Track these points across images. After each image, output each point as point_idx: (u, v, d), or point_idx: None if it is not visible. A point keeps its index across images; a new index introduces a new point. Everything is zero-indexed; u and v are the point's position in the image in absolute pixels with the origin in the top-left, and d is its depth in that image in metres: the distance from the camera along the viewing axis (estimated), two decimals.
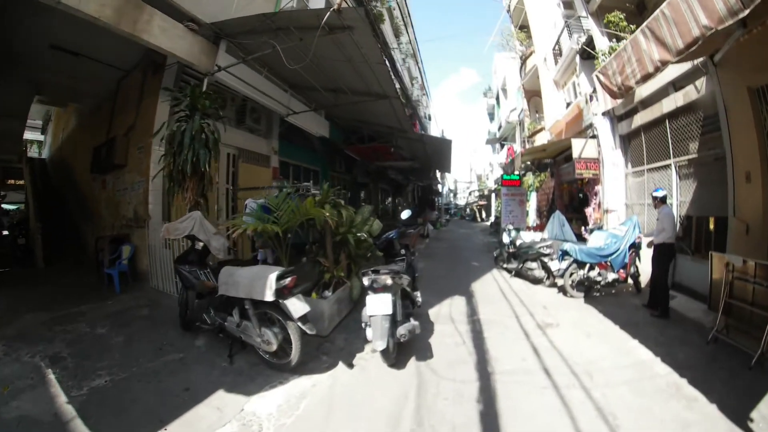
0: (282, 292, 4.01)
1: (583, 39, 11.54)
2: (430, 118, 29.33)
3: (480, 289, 8.21)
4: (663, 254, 6.29)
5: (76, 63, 8.24)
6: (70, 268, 9.39)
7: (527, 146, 17.58)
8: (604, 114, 10.39)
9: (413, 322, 4.44)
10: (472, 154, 56.53)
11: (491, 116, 37.26)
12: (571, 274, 7.51)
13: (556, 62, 13.98)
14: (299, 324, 3.97)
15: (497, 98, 31.79)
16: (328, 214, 5.11)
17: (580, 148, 10.70)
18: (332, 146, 15.21)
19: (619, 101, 8.97)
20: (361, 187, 21.03)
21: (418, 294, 5.34)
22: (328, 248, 5.53)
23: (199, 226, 5.60)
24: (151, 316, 5.82)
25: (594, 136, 10.69)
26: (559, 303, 7.16)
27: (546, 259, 8.41)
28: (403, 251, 5.81)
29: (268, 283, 3.98)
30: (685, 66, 6.99)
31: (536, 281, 8.65)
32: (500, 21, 20.21)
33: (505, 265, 9.96)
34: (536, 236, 10.21)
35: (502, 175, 14.48)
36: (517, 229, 10.15)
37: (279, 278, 3.99)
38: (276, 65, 8.56)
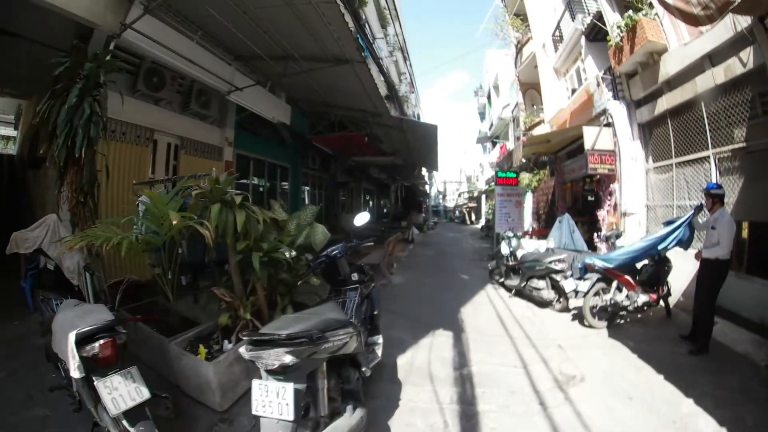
0: (95, 364, 2.11)
1: (589, 19, 9.91)
2: (419, 118, 27.48)
3: (472, 316, 6.29)
4: (713, 274, 4.68)
5: (21, 47, 6.33)
6: None
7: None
8: (618, 97, 8.77)
9: (353, 414, 2.51)
10: (462, 155, 55.07)
11: (482, 115, 35.96)
12: (596, 295, 5.74)
13: (556, 49, 12.64)
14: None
15: (488, 97, 30.51)
16: (208, 222, 3.06)
17: (593, 137, 8.93)
18: (305, 139, 13.36)
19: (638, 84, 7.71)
20: (340, 187, 19.11)
21: (377, 345, 3.57)
22: (232, 274, 3.54)
23: (53, 235, 3.67)
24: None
25: (609, 125, 8.94)
26: (578, 337, 5.37)
27: (558, 277, 6.56)
28: (356, 277, 3.80)
29: (69, 351, 2.07)
30: (723, 35, 5.78)
31: (543, 304, 6.84)
32: (492, 7, 18.34)
33: (502, 281, 8.12)
34: (539, 245, 8.41)
35: (496, 173, 12.62)
36: (517, 237, 8.27)
37: (82, 341, 2.08)
38: (212, 27, 6.68)
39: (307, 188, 15.72)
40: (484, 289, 8.10)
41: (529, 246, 8.10)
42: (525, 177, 13.16)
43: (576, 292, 5.88)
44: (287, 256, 3.55)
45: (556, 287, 6.61)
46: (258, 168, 11.87)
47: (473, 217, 43.20)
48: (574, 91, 11.65)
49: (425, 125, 10.40)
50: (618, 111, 8.80)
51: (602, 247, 8.95)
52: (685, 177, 7.14)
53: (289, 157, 13.56)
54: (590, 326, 5.64)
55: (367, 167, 20.30)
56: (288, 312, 3.65)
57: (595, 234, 9.23)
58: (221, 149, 9.63)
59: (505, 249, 7.85)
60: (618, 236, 7.79)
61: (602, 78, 9.15)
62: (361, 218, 4.58)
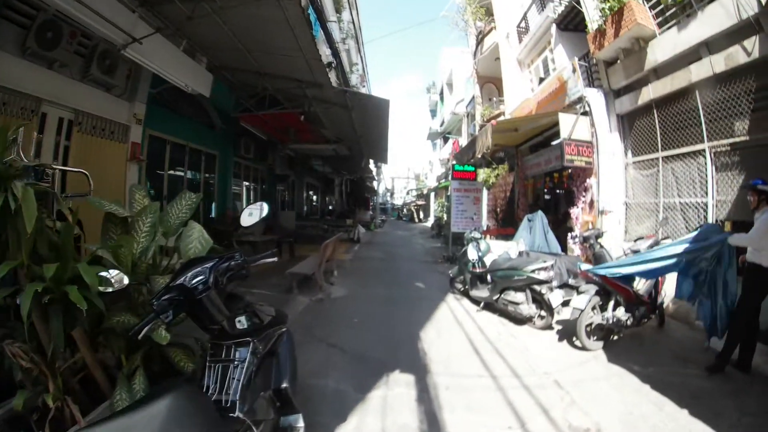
0: None
1: (562, 7, 9.24)
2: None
3: (436, 344, 4.78)
4: (760, 282, 3.82)
5: None
6: None
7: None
8: (594, 86, 8.10)
9: None
10: (410, 151, 54.49)
11: (433, 113, 35.23)
12: (592, 310, 4.63)
13: (520, 40, 12.06)
14: None
15: (441, 94, 29.90)
16: None
17: (569, 126, 7.93)
18: (238, 123, 11.54)
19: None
20: (279, 180, 17.23)
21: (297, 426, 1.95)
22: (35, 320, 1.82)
23: None
24: None
25: (585, 113, 8.00)
26: (574, 365, 4.21)
27: (542, 289, 5.26)
28: (243, 323, 2.06)
29: None
30: (725, 22, 5.48)
31: (519, 320, 5.54)
32: None
33: (466, 290, 6.76)
34: (506, 247, 7.17)
35: (452, 166, 11.33)
36: (485, 240, 6.94)
37: None
38: None
39: (239, 181, 13.77)
40: (446, 302, 6.71)
41: (496, 248, 6.81)
42: (482, 172, 12.02)
43: (571, 308, 4.62)
44: (113, 283, 1.90)
45: (539, 300, 5.35)
46: (177, 154, 9.88)
47: (421, 215, 42.44)
48: (542, 80, 10.75)
49: (374, 99, 8.85)
50: (596, 99, 7.99)
51: (576, 248, 7.93)
52: (674, 172, 6.63)
53: (217, 143, 11.63)
54: (583, 348, 4.54)
55: (309, 159, 18.54)
56: (137, 383, 1.99)
57: (569, 234, 8.14)
58: (128, 128, 7.70)
59: (472, 253, 6.45)
60: (599, 236, 6.64)
61: (579, 65, 8.26)
62: (252, 214, 2.58)
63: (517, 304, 5.47)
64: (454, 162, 11.49)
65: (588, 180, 8.15)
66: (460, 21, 17.33)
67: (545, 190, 12.02)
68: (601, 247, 6.06)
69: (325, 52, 7.94)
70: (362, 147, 13.73)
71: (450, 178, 11.59)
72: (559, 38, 9.70)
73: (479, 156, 8.33)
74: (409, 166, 55.86)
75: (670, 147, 6.68)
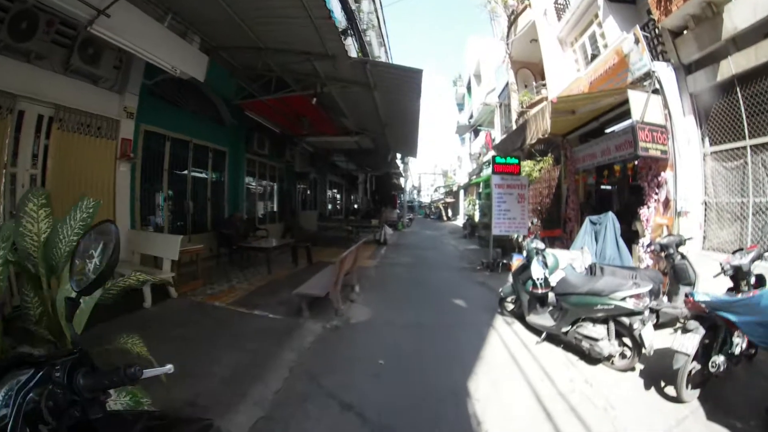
0: None
1: None
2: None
3: (490, 401, 3.43)
4: None
5: None
6: None
7: (516, 126, 13.30)
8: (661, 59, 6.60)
9: None
10: (437, 148, 52.99)
11: (460, 106, 33.63)
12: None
13: (559, 18, 10.98)
14: None
15: (468, 86, 28.26)
16: None
17: (641, 105, 6.33)
18: (250, 117, 10.53)
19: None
20: (299, 178, 16.11)
21: None
22: None
23: None
24: None
25: (656, 92, 6.44)
26: (670, 428, 3.07)
27: (633, 322, 3.85)
28: None
29: None
30: None
31: (592, 358, 4.18)
32: None
33: (523, 314, 5.29)
34: (571, 258, 5.74)
35: (493, 158, 9.81)
36: (543, 250, 5.42)
37: None
38: None
39: (253, 179, 12.66)
40: (494, 329, 5.31)
41: (561, 259, 5.38)
42: (526, 165, 10.56)
43: (674, 352, 3.34)
44: None
45: (626, 336, 3.98)
46: (179, 151, 8.90)
47: (450, 213, 40.77)
48: (593, 57, 9.26)
49: (402, 71, 6.92)
50: (666, 75, 6.50)
51: (646, 258, 6.48)
52: (765, 165, 5.41)
53: (227, 138, 10.63)
54: (678, 399, 3.36)
55: (330, 154, 17.33)
56: None
57: (641, 242, 6.65)
58: (117, 123, 6.88)
59: (537, 271, 5.00)
60: (680, 244, 5.32)
61: (644, 36, 6.74)
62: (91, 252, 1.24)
63: (595, 340, 4.08)
64: (495, 154, 9.99)
65: (662, 173, 6.59)
66: (488, 2, 15.89)
67: (599, 187, 10.56)
68: (683, 258, 4.98)
69: (337, 10, 6.63)
70: (388, 139, 12.33)
71: (491, 172, 10.14)
72: (608, 10, 8.55)
73: (532, 143, 6.87)
74: (436, 162, 54.38)
75: (760, 134, 5.42)
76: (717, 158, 6.23)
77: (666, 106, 6.48)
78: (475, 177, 25.09)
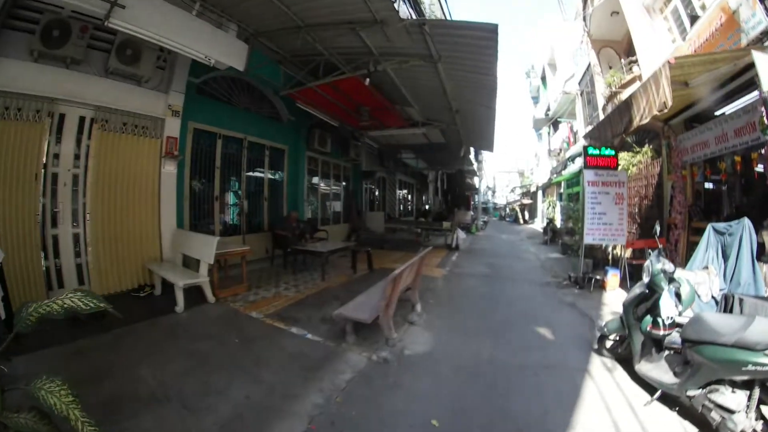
0: None
1: None
2: None
3: None
4: None
5: None
6: None
7: (606, 113, 11.55)
8: None
9: None
10: (513, 145, 50.50)
11: (535, 100, 31.28)
12: None
13: None
14: None
15: (543, 77, 26.43)
16: None
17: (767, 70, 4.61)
18: (310, 113, 9.95)
19: None
20: (366, 177, 15.36)
21: None
22: None
23: None
24: None
25: None
26: None
27: None
28: None
29: None
30: None
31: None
32: None
33: (630, 358, 3.94)
34: (696, 282, 4.34)
35: (585, 149, 8.19)
36: (673, 274, 4.00)
37: None
38: None
39: (315, 178, 12.07)
40: (590, 377, 4.01)
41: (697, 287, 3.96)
42: (621, 158, 8.90)
43: None
44: None
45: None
46: (232, 149, 8.55)
47: (527, 215, 38.39)
48: (694, 20, 7.73)
49: (469, 28, 5.48)
50: None
51: None
52: None
53: (286, 136, 10.13)
54: None
55: (398, 151, 16.40)
56: None
57: None
58: (162, 121, 6.75)
59: (669, 307, 3.61)
60: None
61: None
62: None
63: (731, 412, 2.80)
64: (587, 144, 8.38)
65: None
66: None
67: (707, 185, 8.55)
68: None
69: None
70: (460, 129, 11.09)
71: (576, 169, 8.61)
72: None
73: (643, 123, 5.34)
74: (512, 160, 51.83)
75: None
76: None
77: None
78: (556, 175, 23.05)
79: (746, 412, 2.78)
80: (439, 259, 11.21)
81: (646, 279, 3.84)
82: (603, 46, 13.10)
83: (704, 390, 3.01)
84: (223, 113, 8.22)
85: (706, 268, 4.88)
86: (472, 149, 19.02)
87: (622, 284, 7.80)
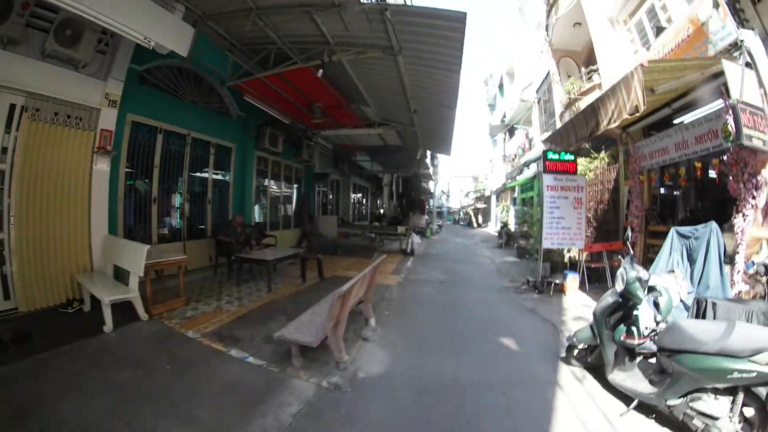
0: None
1: None
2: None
3: None
4: None
5: None
6: None
7: (563, 120, 11.68)
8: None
9: None
10: (467, 151, 51.39)
11: (492, 107, 31.58)
12: None
13: None
14: None
15: (500, 85, 26.76)
16: None
17: (738, 80, 4.81)
18: (260, 111, 9.38)
19: None
20: (319, 179, 14.76)
21: None
22: None
23: None
24: None
25: (747, 65, 4.96)
26: None
27: None
28: None
29: None
30: None
31: None
32: None
33: (600, 366, 3.81)
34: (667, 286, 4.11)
35: (545, 153, 8.07)
36: (650, 284, 3.78)
37: None
38: None
39: (264, 180, 11.35)
40: (560, 388, 3.74)
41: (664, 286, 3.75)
42: (579, 163, 8.87)
43: None
44: None
45: (754, 408, 2.70)
46: (174, 146, 7.80)
47: (480, 220, 38.89)
48: (660, 30, 7.63)
49: (434, 17, 5.04)
50: (756, 45, 5.13)
51: (739, 283, 4.84)
52: None
53: (233, 133, 9.45)
54: None
55: (353, 153, 15.96)
56: None
57: (736, 261, 4.97)
58: (98, 112, 5.93)
59: (648, 317, 3.38)
60: None
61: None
62: None
63: (714, 418, 2.73)
64: (546, 148, 8.26)
65: (763, 171, 4.99)
66: None
67: (661, 190, 8.77)
68: None
69: None
70: (417, 131, 10.78)
71: (531, 174, 8.49)
72: None
73: (612, 127, 5.20)
74: (466, 166, 52.64)
75: None
76: None
77: (761, 84, 5.01)
78: (510, 180, 23.33)
79: (730, 418, 2.70)
80: (393, 265, 10.78)
81: (619, 287, 3.60)
82: (563, 55, 13.30)
83: (685, 399, 2.91)
84: (167, 106, 7.48)
85: (672, 271, 4.72)
86: (428, 153, 18.83)
87: (581, 287, 7.82)
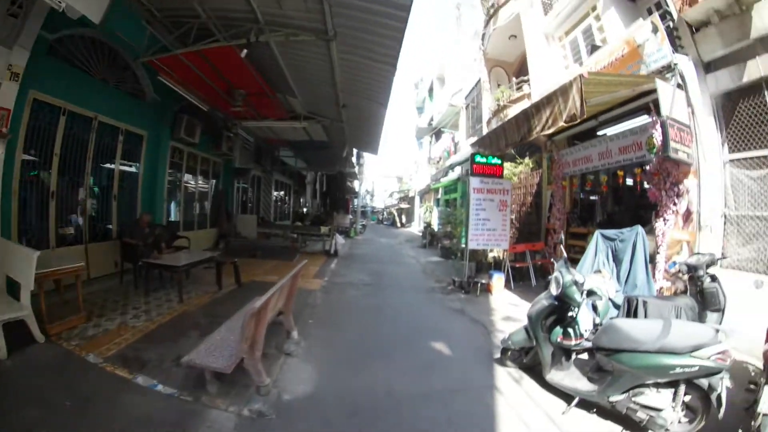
0: None
1: None
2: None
3: None
4: None
5: None
6: None
7: (490, 126, 12.00)
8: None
9: None
10: (393, 152, 51.98)
11: (420, 110, 32.55)
12: None
13: (546, 12, 10.03)
14: None
15: (430, 89, 27.38)
16: None
17: (669, 98, 5.34)
18: (179, 96, 8.54)
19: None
20: (238, 174, 13.80)
21: None
22: None
23: None
24: None
25: (679, 86, 5.50)
26: None
27: (715, 383, 2.74)
28: None
29: None
30: None
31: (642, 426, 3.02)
32: None
33: (535, 366, 3.89)
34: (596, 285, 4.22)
35: (473, 157, 8.19)
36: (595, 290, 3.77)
37: None
38: None
39: (178, 174, 10.29)
40: (499, 392, 3.67)
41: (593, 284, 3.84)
42: (504, 168, 9.11)
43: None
44: None
45: (696, 396, 2.95)
46: (78, 131, 6.75)
47: (404, 219, 39.41)
48: (594, 48, 8.03)
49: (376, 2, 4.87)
50: (689, 69, 5.62)
51: (660, 281, 5.33)
52: None
53: (147, 118, 8.44)
54: None
55: (275, 148, 15.27)
56: None
57: (657, 261, 5.42)
58: None
59: (587, 320, 3.49)
60: (711, 264, 4.26)
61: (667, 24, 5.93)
62: None
63: (658, 410, 2.91)
64: (475, 151, 8.37)
65: (686, 181, 5.57)
66: None
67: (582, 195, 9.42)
68: (713, 280, 4.10)
69: None
70: (345, 126, 10.48)
71: (456, 176, 8.57)
72: (609, 2, 7.85)
73: (548, 132, 5.29)
74: (392, 166, 53.26)
75: None
76: (739, 166, 5.43)
77: (689, 103, 5.58)
78: (435, 182, 23.76)
79: (673, 408, 2.89)
80: (316, 267, 10.26)
81: (555, 291, 3.64)
82: (495, 65, 13.83)
83: (628, 394, 3.02)
84: (74, 83, 6.43)
85: (599, 271, 4.89)
86: (355, 151, 18.56)
87: (507, 286, 8.06)
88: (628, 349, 2.97)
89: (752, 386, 2.98)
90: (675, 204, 5.60)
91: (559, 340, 3.55)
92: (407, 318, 6.13)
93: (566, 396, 3.47)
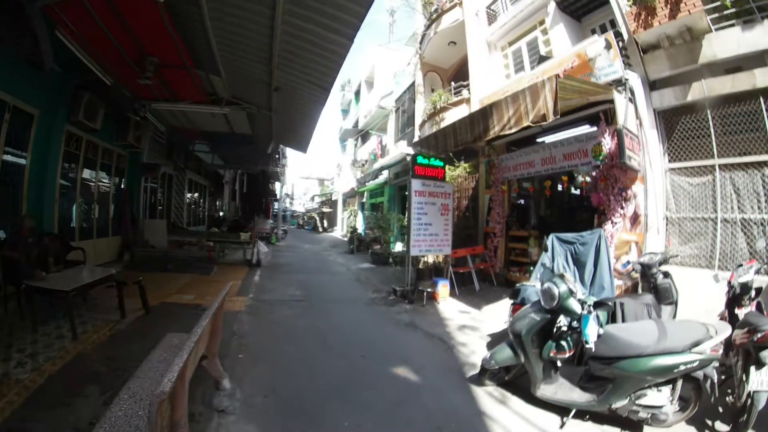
0: None
1: None
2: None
3: None
4: None
5: None
6: None
7: (423, 129, 11.80)
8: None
9: None
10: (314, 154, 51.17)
11: (345, 112, 32.65)
12: None
13: (490, 22, 10.34)
14: None
15: (357, 92, 27.67)
16: None
17: (623, 109, 5.72)
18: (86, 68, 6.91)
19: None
20: (146, 170, 11.81)
21: None
22: None
23: None
24: None
25: (631, 100, 5.98)
26: None
27: (709, 373, 2.99)
28: None
29: None
30: None
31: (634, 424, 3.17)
32: None
33: (524, 383, 3.60)
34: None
35: (415, 158, 7.76)
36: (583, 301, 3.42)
37: None
38: None
39: (75, 167, 8.48)
40: (489, 418, 3.28)
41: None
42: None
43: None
44: None
45: (690, 387, 3.09)
46: None
47: (326, 224, 38.45)
48: (543, 59, 8.14)
49: None
50: (637, 85, 6.16)
51: (617, 280, 5.43)
52: (734, 183, 5.60)
53: (41, 92, 6.80)
54: None
55: (190, 141, 13.81)
56: None
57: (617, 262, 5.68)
58: None
59: (593, 332, 3.13)
60: (663, 262, 4.73)
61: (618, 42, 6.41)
62: None
63: (658, 408, 3.04)
64: (417, 153, 7.95)
65: (633, 186, 6.00)
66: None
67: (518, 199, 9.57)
68: (666, 276, 4.57)
69: None
70: (274, 116, 9.37)
71: (384, 179, 8.16)
72: (558, 18, 8.24)
73: (508, 133, 5.00)
74: (311, 168, 52.33)
75: (729, 154, 5.64)
76: (679, 174, 6.17)
77: (638, 116, 6.09)
78: (360, 186, 23.29)
79: (671, 402, 3.02)
80: (238, 281, 8.90)
81: (548, 304, 3.40)
82: (430, 69, 13.91)
83: (630, 398, 3.05)
84: None
85: (562, 276, 4.70)
86: (280, 148, 17.46)
87: (452, 293, 7.82)
88: (627, 355, 3.01)
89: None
90: (623, 208, 6.02)
91: (552, 354, 3.33)
92: (355, 340, 5.35)
93: (557, 408, 3.34)
